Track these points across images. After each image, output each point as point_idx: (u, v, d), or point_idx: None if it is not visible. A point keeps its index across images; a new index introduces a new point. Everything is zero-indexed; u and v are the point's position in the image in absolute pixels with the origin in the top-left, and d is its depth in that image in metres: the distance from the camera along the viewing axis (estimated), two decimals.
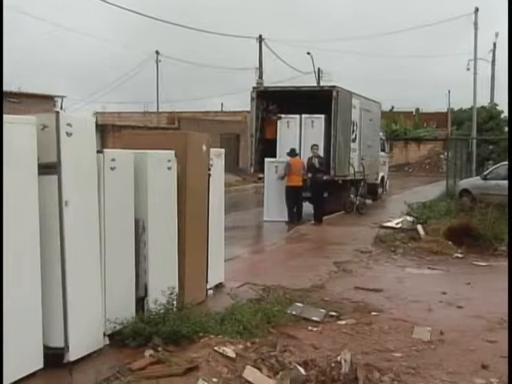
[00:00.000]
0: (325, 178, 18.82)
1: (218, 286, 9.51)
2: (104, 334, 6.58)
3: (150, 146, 7.57)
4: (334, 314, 8.18)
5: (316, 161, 18.46)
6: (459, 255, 12.69)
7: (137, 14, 33.23)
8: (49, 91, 32.38)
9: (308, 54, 50.66)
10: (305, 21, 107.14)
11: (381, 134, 27.06)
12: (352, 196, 21.23)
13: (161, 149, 7.62)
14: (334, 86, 20.44)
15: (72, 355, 6.06)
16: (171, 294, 7.21)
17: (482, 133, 37.73)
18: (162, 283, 7.35)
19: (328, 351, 6.63)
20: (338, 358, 5.90)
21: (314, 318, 7.92)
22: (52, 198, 5.91)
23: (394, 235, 14.91)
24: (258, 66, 46.94)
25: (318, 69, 52.90)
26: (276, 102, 21.21)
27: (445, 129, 58.42)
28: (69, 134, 5.95)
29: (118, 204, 6.79)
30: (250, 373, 5.76)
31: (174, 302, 7.20)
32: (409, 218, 16.55)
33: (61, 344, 6.01)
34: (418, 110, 63.65)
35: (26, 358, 5.62)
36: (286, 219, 18.33)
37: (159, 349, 6.38)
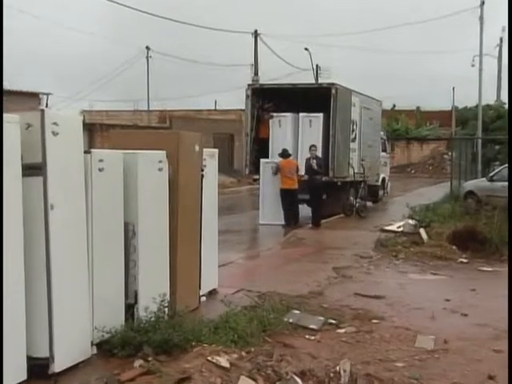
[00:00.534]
0: (323, 179, 18.83)
1: (212, 293, 9.51)
2: (91, 344, 6.56)
3: (140, 146, 7.56)
4: (332, 321, 8.18)
5: (314, 162, 18.48)
6: (464, 260, 12.71)
7: (126, 8, 33.16)
8: (33, 88, 32.37)
9: (306, 49, 50.76)
10: (302, 15, 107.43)
11: (382, 133, 27.08)
12: (352, 198, 21.25)
13: (151, 149, 7.61)
14: (332, 84, 20.48)
15: (57, 366, 6.04)
16: (162, 300, 7.20)
17: (488, 132, 37.74)
18: (153, 290, 7.34)
19: (326, 361, 6.63)
20: (337, 368, 5.91)
21: (312, 326, 7.92)
22: (37, 201, 5.90)
23: (395, 239, 14.93)
24: (253, 62, 47.03)
25: (317, 65, 52.99)
26: (272, 99, 21.21)
27: (449, 128, 58.52)
28: (55, 134, 5.94)
29: (106, 207, 6.78)
30: None
31: (166, 310, 7.19)
32: (411, 222, 16.55)
33: (45, 354, 5.99)
34: (419, 108, 63.76)
35: (8, 369, 5.57)
36: (283, 222, 18.34)
37: (149, 359, 6.36)
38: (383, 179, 26.79)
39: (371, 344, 7.38)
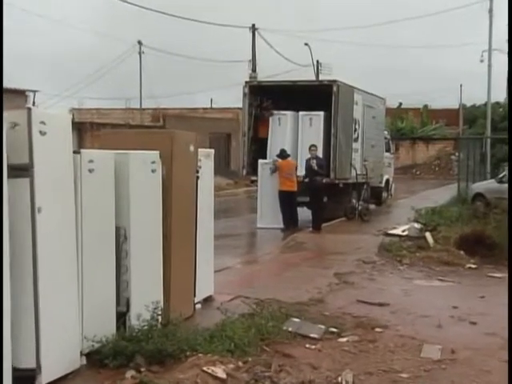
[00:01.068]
0: (324, 181, 18.84)
1: (207, 300, 9.50)
2: (81, 354, 6.55)
3: (132, 146, 7.55)
4: (334, 330, 8.17)
5: (314, 162, 18.47)
6: (472, 266, 12.71)
7: (117, 1, 33.14)
8: (19, 85, 32.31)
9: (306, 45, 50.82)
10: (302, 9, 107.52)
11: (385, 132, 27.13)
12: (354, 201, 21.24)
13: (144, 149, 7.61)
14: (334, 81, 20.49)
15: (45, 377, 6.02)
16: (155, 308, 7.20)
17: (497, 131, 37.74)
18: (146, 297, 7.33)
19: (328, 371, 6.62)
20: (339, 379, 5.91)
21: (313, 335, 7.91)
22: (23, 204, 5.89)
23: (400, 244, 14.93)
24: (250, 58, 47.04)
25: (317, 61, 53.06)
26: (270, 97, 21.21)
27: (456, 127, 58.63)
28: (42, 133, 5.93)
29: (96, 210, 6.77)
30: None
31: (159, 318, 7.18)
32: (416, 225, 16.56)
33: (32, 365, 5.98)
34: (426, 106, 63.82)
35: None
36: (282, 226, 18.35)
37: (142, 369, 6.36)
38: (387, 181, 26.81)
39: (374, 354, 7.37)
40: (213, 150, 9.79)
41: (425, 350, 7.48)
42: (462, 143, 30.48)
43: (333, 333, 8.08)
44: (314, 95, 19.79)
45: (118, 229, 7.14)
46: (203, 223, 9.17)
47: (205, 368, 6.14)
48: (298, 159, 19.46)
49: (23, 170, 5.87)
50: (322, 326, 8.24)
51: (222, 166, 38.31)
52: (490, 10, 36.03)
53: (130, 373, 6.29)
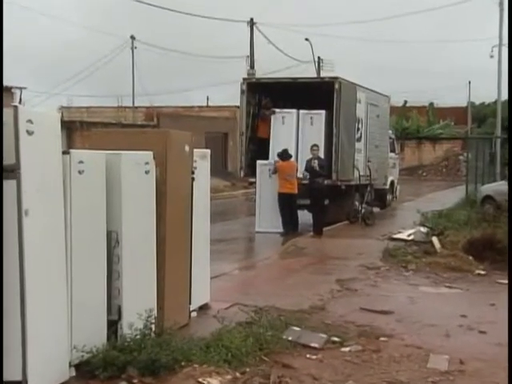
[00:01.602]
0: (326, 182, 18.84)
1: (203, 308, 9.50)
2: (70, 365, 6.54)
3: (124, 146, 7.55)
4: (336, 339, 8.17)
5: (316, 163, 18.45)
6: (481, 272, 12.71)
7: None
8: (5, 81, 32.27)
9: (306, 40, 50.90)
10: (302, 2, 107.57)
11: (390, 132, 27.14)
12: (357, 204, 21.26)
13: (137, 149, 7.60)
14: (336, 78, 20.50)
15: None
16: (149, 316, 7.19)
17: (507, 131, 37.79)
18: (139, 304, 7.33)
19: (329, 383, 6.62)
20: None
21: (314, 345, 7.91)
22: (10, 207, 5.88)
23: (405, 249, 14.94)
24: (248, 54, 47.08)
25: (318, 57, 53.13)
26: (270, 95, 21.25)
27: (464, 126, 58.70)
28: (29, 133, 5.92)
29: (87, 213, 6.77)
30: None
31: (152, 327, 7.19)
32: (422, 229, 16.58)
33: (18, 377, 5.96)
34: (432, 104, 63.89)
35: None
36: (281, 230, 18.34)
37: (134, 381, 6.36)
38: (392, 182, 26.83)
39: (379, 364, 7.37)
40: (209, 151, 9.79)
41: (432, 360, 7.48)
42: (470, 143, 30.51)
43: (335, 342, 8.08)
44: (315, 93, 19.79)
45: (109, 233, 7.13)
46: (199, 227, 9.16)
47: (200, 379, 6.14)
48: (299, 160, 19.46)
49: (9, 172, 5.87)
50: (324, 335, 8.24)
51: (218, 167, 38.31)
52: (501, 3, 35.94)
53: None
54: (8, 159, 5.85)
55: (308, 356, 7.58)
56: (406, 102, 63.51)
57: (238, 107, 24.92)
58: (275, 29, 51.58)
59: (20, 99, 32.19)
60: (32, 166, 5.99)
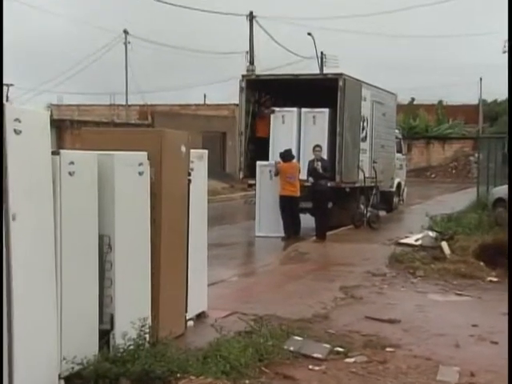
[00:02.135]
0: (329, 184, 18.84)
1: (200, 316, 9.50)
2: (59, 377, 6.52)
3: (117, 146, 7.55)
4: (340, 349, 8.17)
5: (319, 164, 18.47)
6: (493, 279, 12.70)
7: None
8: None
9: (309, 34, 50.93)
10: None
11: (397, 131, 27.16)
12: (362, 207, 21.27)
13: (130, 150, 7.60)
14: (340, 74, 20.51)
15: None
16: (143, 326, 7.18)
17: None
18: (132, 313, 7.32)
19: None
20: None
21: (316, 355, 7.91)
22: None
23: (413, 254, 14.93)
24: (248, 49, 47.10)
25: (321, 53, 53.17)
26: (270, 93, 21.27)
27: (475, 125, 58.71)
28: (17, 132, 5.91)
29: (77, 217, 6.76)
30: None
31: (147, 336, 7.17)
32: (431, 234, 16.58)
33: None
34: (441, 102, 63.94)
35: None
36: (282, 235, 18.35)
37: None
38: (398, 184, 26.85)
39: (385, 376, 7.37)
40: (206, 151, 9.78)
41: (441, 372, 7.48)
42: (481, 143, 30.46)
43: (339, 353, 8.08)
44: (318, 90, 19.82)
45: (101, 237, 7.12)
46: (196, 231, 9.16)
47: None
48: (301, 161, 19.46)
49: None
50: (327, 346, 8.24)
51: (216, 169, 38.31)
52: None
53: None
54: None
55: (310, 367, 7.58)
56: (413, 99, 63.58)
57: (236, 105, 24.96)
58: (276, 23, 51.96)
59: (7, 97, 32.24)
60: (20, 167, 5.97)
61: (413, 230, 18.35)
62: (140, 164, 7.63)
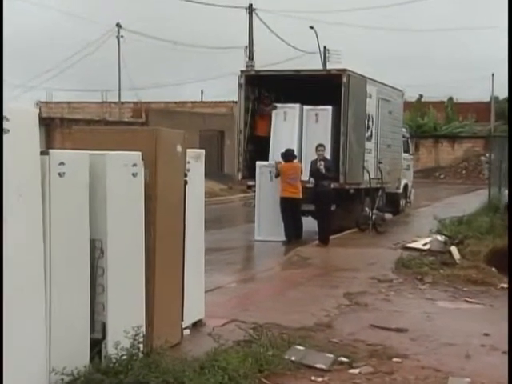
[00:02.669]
0: (332, 186, 18.83)
1: (197, 325, 9.50)
2: None
3: (109, 145, 7.54)
4: (344, 360, 8.17)
5: (321, 165, 18.43)
6: (505, 285, 12.68)
7: None
8: None
9: (311, 28, 50.99)
10: None
11: (404, 130, 27.17)
12: (367, 209, 21.26)
13: (124, 150, 7.61)
14: (343, 70, 20.52)
15: None
16: (136, 335, 7.18)
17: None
18: (125, 321, 7.31)
19: None
20: None
21: (319, 366, 7.91)
22: None
23: (420, 259, 14.94)
24: (247, 43, 47.12)
25: (324, 47, 53.25)
26: (270, 89, 21.28)
27: (487, 123, 58.66)
28: (5, 131, 5.92)
29: (68, 220, 6.76)
30: None
31: (140, 346, 7.17)
32: (440, 238, 16.58)
33: None
34: (451, 99, 63.94)
35: None
36: (283, 239, 18.34)
37: None
38: (405, 186, 26.87)
39: None
40: (203, 151, 9.78)
41: (451, 383, 7.47)
42: (493, 142, 30.37)
43: (343, 363, 8.08)
44: (321, 87, 19.79)
45: (93, 242, 7.12)
46: (192, 235, 9.16)
47: None
48: (303, 161, 19.47)
49: None
50: (331, 355, 8.24)
51: (214, 169, 38.37)
52: None
53: None
54: None
55: (313, 378, 7.58)
56: (421, 96, 63.57)
57: (235, 102, 24.97)
58: (277, 16, 51.91)
59: None
60: (7, 168, 5.97)
61: (420, 234, 18.36)
62: (134, 165, 7.63)
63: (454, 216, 20.46)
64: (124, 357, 6.92)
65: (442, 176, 55.51)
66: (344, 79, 19.81)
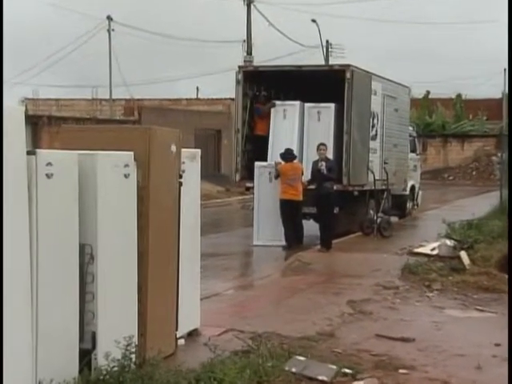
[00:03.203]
0: (335, 187, 18.83)
1: (192, 334, 9.51)
2: None
3: (100, 145, 7.55)
4: (347, 371, 8.16)
5: (323, 165, 18.41)
6: None
7: None
8: None
9: (313, 21, 51.03)
10: None
11: (410, 128, 27.18)
12: (372, 212, 21.27)
13: (115, 149, 7.61)
14: (347, 65, 20.52)
15: None
16: (128, 345, 7.17)
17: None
18: (116, 331, 7.31)
19: None
20: None
21: (321, 377, 7.91)
22: None
23: (428, 265, 14.93)
24: (245, 37, 47.17)
25: (327, 41, 53.33)
26: (270, 86, 21.28)
27: (498, 121, 58.63)
28: None
29: (56, 224, 6.76)
30: None
31: (133, 357, 7.16)
32: (449, 243, 16.58)
33: None
34: (460, 96, 63.96)
35: None
36: (283, 243, 18.34)
37: None
38: (412, 187, 26.87)
39: None
40: (199, 151, 9.79)
41: None
42: (505, 141, 30.39)
43: (346, 374, 8.07)
44: (323, 83, 19.80)
45: (82, 247, 7.12)
46: (187, 240, 9.16)
47: None
48: (304, 161, 19.46)
49: None
50: (333, 367, 8.23)
51: (210, 170, 38.39)
52: None
53: None
54: None
55: None
56: (428, 93, 63.57)
57: (232, 100, 24.95)
58: (276, 8, 51.82)
59: None
60: None
61: (428, 238, 18.35)
62: (126, 165, 7.63)
63: (463, 219, 20.48)
64: (115, 368, 6.92)
65: (450, 177, 55.51)
66: (347, 75, 19.80)
